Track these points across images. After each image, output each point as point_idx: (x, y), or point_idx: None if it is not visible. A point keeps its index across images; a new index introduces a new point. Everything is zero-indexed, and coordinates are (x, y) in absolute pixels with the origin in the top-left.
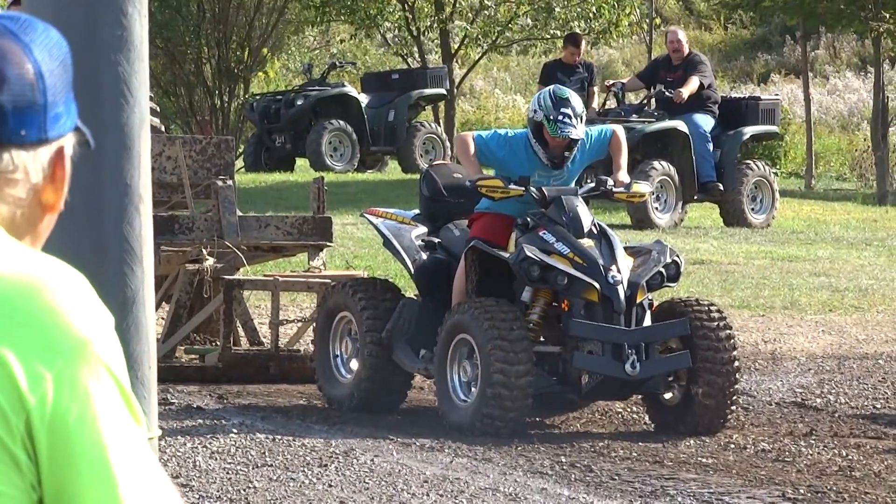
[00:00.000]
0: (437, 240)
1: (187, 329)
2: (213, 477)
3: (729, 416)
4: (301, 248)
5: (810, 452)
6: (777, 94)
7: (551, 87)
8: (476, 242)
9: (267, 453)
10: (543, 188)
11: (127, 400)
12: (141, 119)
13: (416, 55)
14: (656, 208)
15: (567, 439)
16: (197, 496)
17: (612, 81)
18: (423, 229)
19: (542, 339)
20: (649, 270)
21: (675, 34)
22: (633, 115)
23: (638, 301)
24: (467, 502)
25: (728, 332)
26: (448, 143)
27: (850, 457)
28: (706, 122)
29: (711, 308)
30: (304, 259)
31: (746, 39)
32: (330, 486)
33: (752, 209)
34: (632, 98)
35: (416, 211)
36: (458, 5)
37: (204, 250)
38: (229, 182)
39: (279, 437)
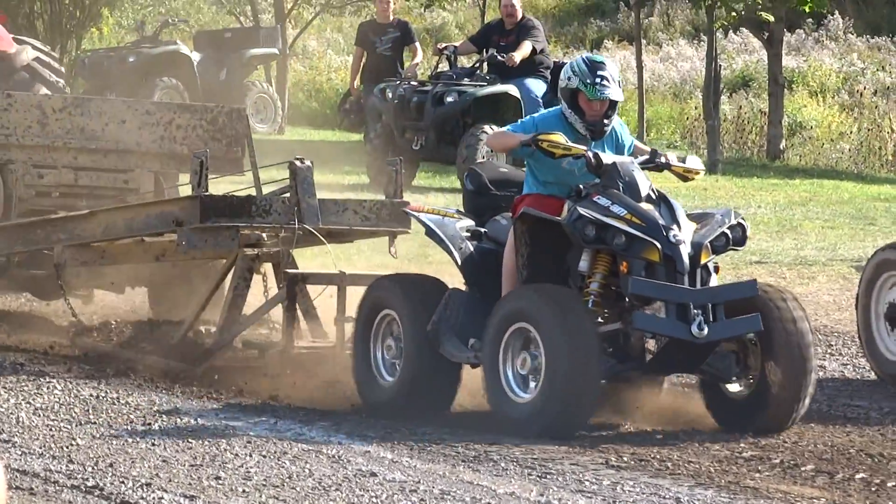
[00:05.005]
0: (483, 230)
1: (250, 321)
2: (37, 433)
3: (801, 411)
4: (372, 235)
5: (634, 421)
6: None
7: (584, 54)
8: (526, 209)
9: (91, 411)
10: (599, 153)
11: None
12: None
13: (250, 14)
14: None
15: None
16: (20, 452)
17: (444, 44)
18: (468, 221)
19: (600, 318)
20: (713, 231)
21: None
22: (465, 79)
23: (702, 263)
24: (290, 463)
25: (803, 315)
26: (280, 103)
27: (672, 427)
28: (538, 86)
29: (784, 292)
30: None
31: (580, 5)
32: (153, 444)
33: None
34: (464, 62)
35: (457, 209)
36: None
37: (263, 235)
38: (308, 162)
39: (103, 395)
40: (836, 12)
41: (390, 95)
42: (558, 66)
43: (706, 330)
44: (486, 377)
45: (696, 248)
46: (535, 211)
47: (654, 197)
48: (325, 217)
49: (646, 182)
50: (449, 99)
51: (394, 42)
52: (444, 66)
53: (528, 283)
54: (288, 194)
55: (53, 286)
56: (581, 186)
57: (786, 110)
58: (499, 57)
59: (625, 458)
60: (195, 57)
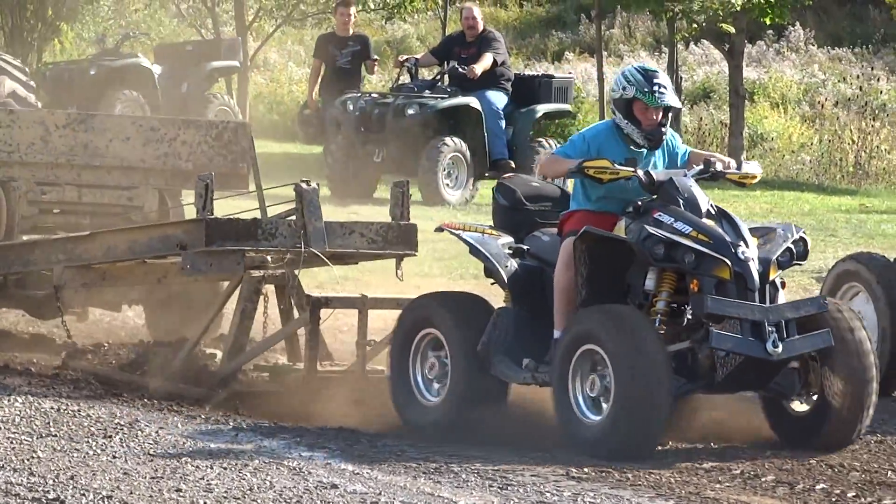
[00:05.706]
0: (526, 247)
1: (262, 348)
2: None
3: (865, 424)
4: (378, 257)
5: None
6: (571, 73)
7: (634, 64)
8: (589, 228)
9: (52, 423)
10: (651, 171)
11: None
12: None
13: (211, 27)
14: (447, 185)
15: (353, 416)
16: None
17: (405, 57)
18: (507, 238)
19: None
20: (779, 247)
21: (470, 10)
22: (426, 91)
23: (770, 279)
24: (251, 475)
25: (861, 328)
26: (241, 116)
27: None
28: (499, 98)
29: (841, 305)
30: None
31: (541, 17)
32: (114, 457)
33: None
34: (425, 74)
35: (489, 224)
36: None
37: (268, 258)
38: (314, 185)
39: (64, 407)
40: (797, 24)
41: (351, 108)
42: (519, 78)
43: (780, 347)
44: (555, 399)
45: (765, 264)
46: (598, 229)
47: (713, 212)
48: (331, 240)
49: (704, 197)
50: (410, 111)
51: (353, 55)
52: (405, 79)
53: (587, 302)
54: (294, 217)
55: (51, 306)
56: (639, 202)
57: (747, 122)
58: (460, 69)
59: (585, 470)
60: (156, 70)
